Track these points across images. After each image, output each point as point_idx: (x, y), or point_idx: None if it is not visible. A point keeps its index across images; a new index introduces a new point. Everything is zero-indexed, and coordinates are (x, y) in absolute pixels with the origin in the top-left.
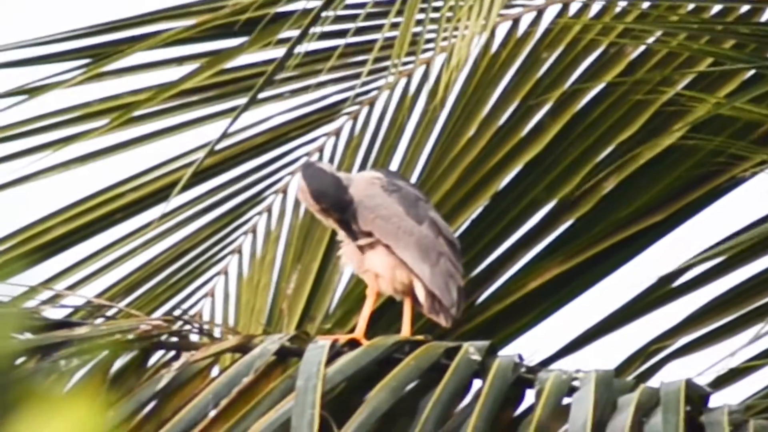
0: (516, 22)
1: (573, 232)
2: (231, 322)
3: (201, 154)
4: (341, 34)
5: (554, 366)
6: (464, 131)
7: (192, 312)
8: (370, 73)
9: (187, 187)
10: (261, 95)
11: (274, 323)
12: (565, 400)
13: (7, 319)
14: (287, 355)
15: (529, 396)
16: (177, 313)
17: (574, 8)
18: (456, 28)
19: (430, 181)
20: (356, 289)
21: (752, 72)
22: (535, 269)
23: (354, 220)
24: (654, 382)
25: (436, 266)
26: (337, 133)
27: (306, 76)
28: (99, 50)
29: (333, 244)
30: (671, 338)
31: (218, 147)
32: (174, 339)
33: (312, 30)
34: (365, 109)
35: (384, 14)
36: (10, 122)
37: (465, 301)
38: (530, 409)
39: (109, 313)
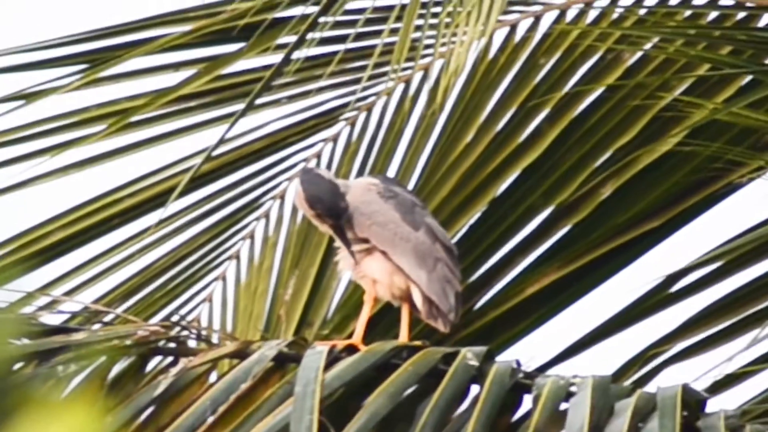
0: (513, 27)
1: (571, 238)
2: (229, 327)
3: (198, 160)
4: (339, 39)
5: (552, 371)
6: (462, 137)
7: (190, 318)
8: (369, 78)
9: (184, 193)
10: (259, 101)
11: (272, 329)
12: (563, 406)
13: (5, 324)
14: (285, 361)
15: (527, 401)
16: (175, 318)
17: (571, 14)
18: (455, 34)
19: (428, 186)
20: (354, 295)
21: (749, 78)
22: (532, 275)
23: (350, 227)
24: (651, 387)
25: (433, 272)
26: (335, 138)
27: (304, 82)
28: (96, 56)
29: (331, 250)
30: (668, 343)
31: (216, 153)
32: (172, 345)
33: (310, 36)
34: (363, 115)
35: (382, 20)
36: (7, 127)
37: (463, 307)
38: (528, 415)
39: (107, 318)
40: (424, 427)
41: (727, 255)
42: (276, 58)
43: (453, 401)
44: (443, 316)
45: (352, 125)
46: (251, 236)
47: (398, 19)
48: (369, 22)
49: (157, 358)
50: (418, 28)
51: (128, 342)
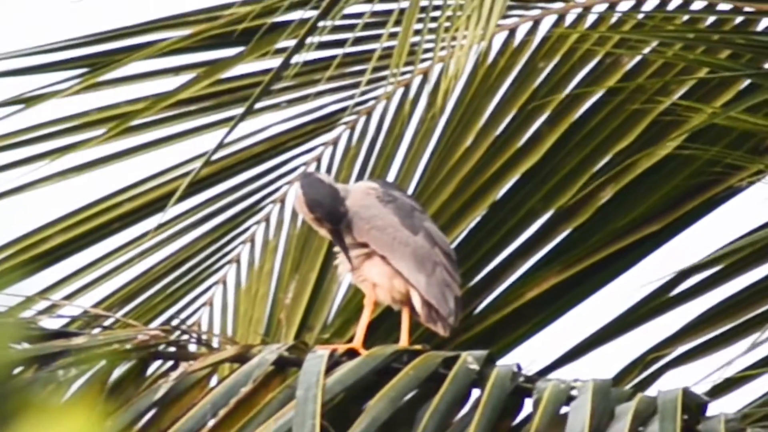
0: (512, 32)
1: (570, 242)
2: (229, 332)
3: (198, 164)
4: (339, 43)
5: (552, 375)
6: (461, 141)
7: (190, 322)
8: (368, 82)
9: (185, 197)
10: (258, 105)
11: (272, 333)
12: (563, 410)
13: (4, 329)
14: (286, 365)
15: (528, 405)
16: (175, 322)
17: (570, 18)
18: (454, 38)
19: (428, 190)
20: (354, 299)
21: (748, 81)
22: (532, 279)
23: (349, 232)
24: (651, 391)
25: (432, 276)
26: (335, 142)
27: (303, 86)
28: (95, 60)
29: (331, 254)
30: (669, 347)
31: (216, 156)
32: (172, 349)
33: (309, 40)
34: (363, 119)
35: (382, 24)
36: (7, 131)
37: (462, 311)
38: (528, 419)
39: (107, 322)
40: (425, 431)
41: (726, 258)
42: (275, 62)
43: (454, 405)
44: (443, 320)
45: (352, 129)
46: (251, 240)
47: (397, 23)
48: (368, 26)
49: (158, 363)
50: (417, 32)
51: (128, 346)
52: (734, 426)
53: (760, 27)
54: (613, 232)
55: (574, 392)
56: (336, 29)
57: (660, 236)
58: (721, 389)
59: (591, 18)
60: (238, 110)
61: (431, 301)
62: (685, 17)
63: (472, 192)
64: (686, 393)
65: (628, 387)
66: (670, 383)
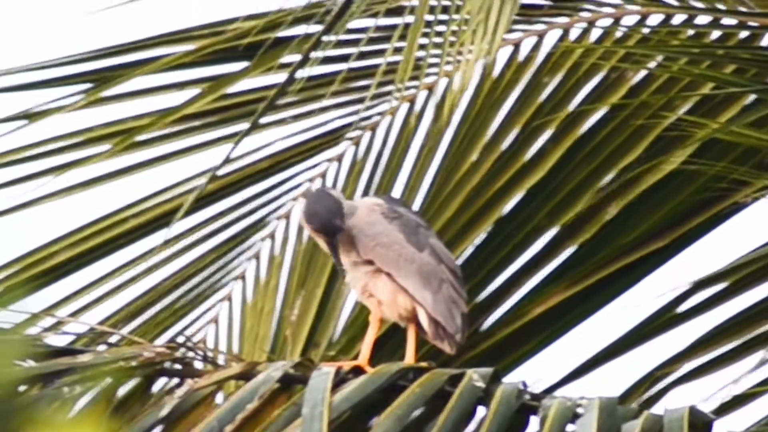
0: (517, 46)
1: (576, 258)
2: (235, 348)
3: (204, 180)
4: (343, 59)
5: (558, 393)
6: (467, 156)
7: (196, 338)
8: (373, 98)
9: (190, 213)
10: (263, 120)
11: (278, 350)
12: (569, 427)
13: (10, 346)
14: (291, 382)
15: (533, 423)
16: (181, 339)
17: (575, 33)
18: (459, 53)
19: (433, 206)
20: (361, 316)
21: (753, 97)
22: (539, 295)
23: (354, 249)
24: (658, 408)
25: (438, 293)
26: (340, 158)
27: (308, 101)
28: (101, 75)
29: (336, 271)
30: (675, 364)
31: (221, 172)
32: (177, 366)
33: (313, 55)
34: (368, 135)
35: (386, 39)
36: (12, 147)
37: (469, 328)
38: None
39: (112, 339)
40: None
41: (733, 275)
42: (280, 77)
43: (460, 423)
44: (450, 337)
45: (357, 145)
46: (257, 256)
47: (402, 38)
48: (372, 41)
49: (163, 380)
50: (422, 47)
51: (134, 363)
52: None
53: (765, 42)
54: (618, 248)
55: (580, 410)
56: (340, 44)
57: (666, 252)
58: (728, 407)
59: (596, 33)
60: (243, 125)
61: (438, 318)
62: (690, 32)
63: (477, 208)
64: (693, 411)
65: (634, 404)
66: (677, 401)
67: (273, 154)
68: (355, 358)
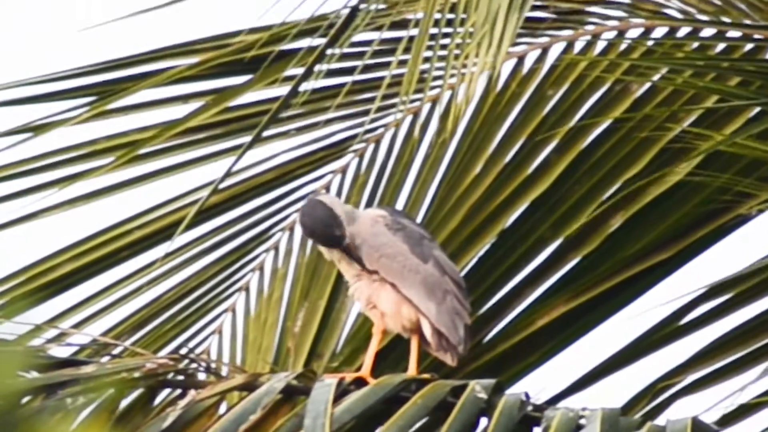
0: (521, 59)
1: (580, 270)
2: (239, 359)
3: (207, 192)
4: (348, 71)
5: (561, 404)
6: (470, 169)
7: (200, 349)
8: (377, 110)
9: (194, 225)
10: (267, 133)
11: (281, 361)
12: None
13: (13, 357)
14: (294, 394)
15: None
16: (184, 351)
17: (579, 46)
18: (464, 66)
19: (437, 218)
20: (364, 327)
21: (758, 109)
22: (542, 307)
23: (358, 258)
24: (661, 419)
25: (442, 304)
26: (344, 170)
27: (312, 114)
28: (104, 88)
29: (340, 282)
30: (678, 376)
31: (225, 184)
32: (180, 377)
33: (317, 67)
34: (372, 147)
35: (390, 51)
36: (16, 160)
37: (472, 339)
38: None
39: (116, 351)
40: None
41: (736, 286)
42: (284, 89)
43: None
44: (452, 348)
45: (361, 157)
46: (260, 268)
47: (406, 50)
48: (377, 53)
49: (166, 391)
50: (426, 59)
51: (136, 375)
52: None
53: None
54: (622, 260)
55: (582, 421)
56: (344, 57)
57: (670, 264)
58: (731, 418)
59: (600, 45)
60: (247, 138)
61: (441, 329)
62: (695, 44)
63: (481, 220)
64: (696, 422)
65: (637, 416)
66: (680, 412)
67: (277, 166)
68: (358, 369)
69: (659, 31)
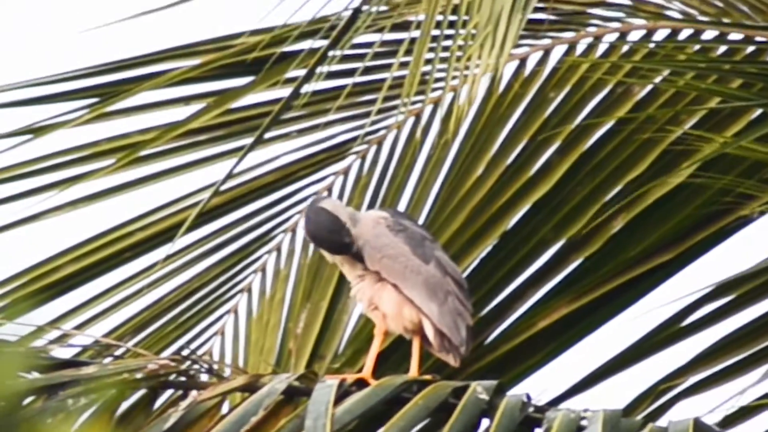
0: (523, 61)
1: (582, 272)
2: (241, 360)
3: (210, 193)
4: (349, 73)
5: (563, 405)
6: (472, 170)
7: (202, 351)
8: (379, 112)
9: (196, 226)
10: (269, 134)
11: (283, 362)
12: None
13: (15, 358)
14: (295, 395)
15: None
16: (186, 352)
17: (580, 48)
18: (467, 67)
19: (439, 220)
20: (365, 329)
21: (759, 111)
22: (544, 308)
23: (361, 260)
24: (663, 421)
25: (444, 305)
26: (346, 172)
27: (314, 116)
28: (105, 89)
29: (342, 283)
30: (680, 377)
31: (227, 186)
32: (182, 378)
33: (319, 69)
34: (373, 148)
35: (392, 53)
36: (17, 161)
37: (474, 340)
38: None
39: (118, 352)
40: None
41: (738, 288)
42: (285, 91)
43: None
44: (455, 349)
45: (363, 158)
46: (263, 269)
47: (408, 52)
48: (378, 55)
49: (168, 392)
50: (428, 61)
51: (138, 376)
52: None
53: None
54: (624, 261)
55: (584, 422)
56: (346, 58)
57: (672, 266)
58: (733, 419)
59: (602, 47)
60: (249, 140)
61: (443, 330)
62: (697, 47)
63: (483, 221)
64: (698, 423)
65: (639, 417)
66: (682, 413)
67: (279, 168)
68: (360, 371)
69: (661, 33)
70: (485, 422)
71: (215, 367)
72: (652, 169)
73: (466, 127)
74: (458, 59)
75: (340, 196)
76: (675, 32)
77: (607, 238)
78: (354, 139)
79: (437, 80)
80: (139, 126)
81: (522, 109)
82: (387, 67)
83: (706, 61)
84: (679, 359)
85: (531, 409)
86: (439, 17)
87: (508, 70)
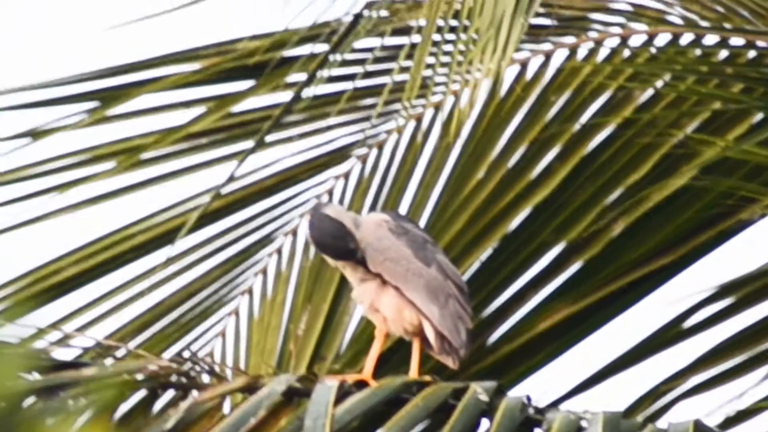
0: (524, 66)
1: (582, 274)
2: (242, 362)
3: (211, 197)
4: (350, 77)
5: (563, 407)
6: (473, 173)
7: (203, 352)
8: (380, 116)
9: (198, 229)
10: (270, 138)
11: (284, 364)
12: None
13: (15, 359)
14: (295, 396)
15: None
16: (186, 353)
17: (582, 53)
18: (468, 72)
19: (440, 223)
20: (366, 330)
21: (760, 115)
22: (544, 311)
23: (362, 262)
24: (663, 422)
25: (445, 308)
26: (347, 175)
27: (315, 120)
28: (106, 93)
29: (343, 285)
30: (680, 379)
31: (229, 189)
32: (182, 379)
33: (320, 73)
34: (374, 152)
35: (393, 58)
36: (19, 165)
37: (473, 344)
38: None
39: (119, 353)
40: None
41: (738, 291)
42: (286, 95)
43: None
44: (454, 351)
45: (364, 162)
46: (264, 271)
47: (409, 56)
48: (379, 59)
49: (169, 394)
50: (429, 65)
51: (138, 377)
52: None
53: None
54: (624, 264)
55: (584, 423)
56: (347, 63)
57: (672, 268)
58: (733, 421)
59: (603, 52)
60: (250, 143)
61: (444, 333)
62: (698, 51)
63: (483, 224)
64: (697, 425)
65: (639, 419)
66: (682, 415)
67: (280, 172)
68: (360, 372)
69: (662, 39)
70: (485, 423)
71: (216, 368)
72: (652, 172)
73: (467, 131)
74: (459, 64)
75: (341, 200)
76: (676, 37)
77: (607, 241)
78: (355, 142)
79: (438, 84)
80: (140, 129)
81: (523, 113)
82: (388, 72)
83: (707, 64)
84: (679, 361)
85: (531, 411)
86: (440, 22)
87: (509, 75)
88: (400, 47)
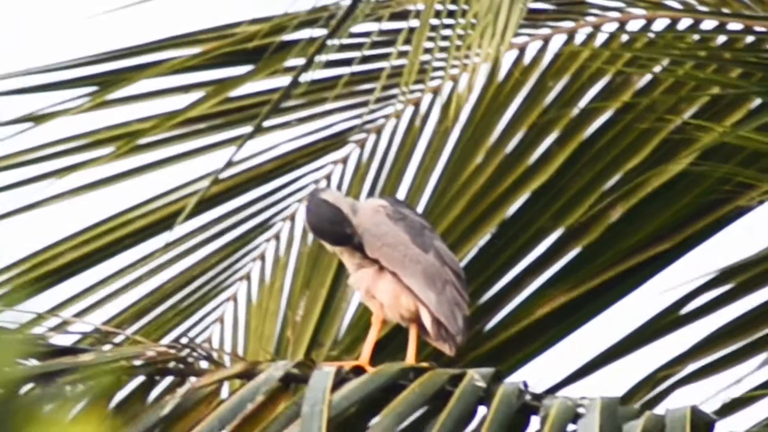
0: (522, 50)
1: (580, 260)
2: (240, 348)
3: (209, 182)
4: (348, 62)
5: (561, 393)
6: (471, 159)
7: (201, 338)
8: (378, 101)
9: (197, 214)
10: (268, 123)
11: (282, 349)
12: (570, 427)
13: (13, 345)
14: (292, 382)
15: (534, 423)
16: (184, 339)
17: (580, 38)
18: (466, 56)
19: (438, 208)
20: (364, 317)
21: (759, 101)
22: (542, 297)
23: (360, 247)
24: (660, 409)
25: (442, 294)
26: (345, 160)
27: (313, 104)
28: (105, 78)
29: (341, 271)
30: (678, 365)
31: (227, 174)
32: (180, 365)
33: (318, 58)
34: (372, 137)
35: (391, 42)
36: (17, 149)
37: (470, 330)
38: None
39: (117, 339)
40: None
41: (737, 277)
42: (285, 80)
43: (460, 422)
44: (451, 338)
45: (362, 147)
46: (262, 257)
47: (407, 41)
48: (377, 44)
49: (167, 380)
50: (427, 50)
51: (135, 363)
52: None
53: None
54: (623, 250)
55: (581, 410)
56: (345, 47)
57: (670, 255)
58: (730, 408)
59: (601, 37)
60: (248, 128)
61: (441, 319)
62: (696, 36)
63: (481, 210)
64: (695, 411)
65: (636, 405)
66: (679, 401)
67: (278, 157)
68: (358, 358)
69: (660, 23)
70: (482, 410)
71: (214, 354)
72: (650, 158)
73: (466, 115)
74: (458, 48)
75: (339, 185)
76: (674, 22)
77: (605, 227)
78: (353, 127)
79: (436, 69)
80: (138, 114)
81: (521, 98)
82: (386, 56)
83: (705, 50)
84: (677, 347)
85: (528, 397)
86: (439, 6)
87: (508, 59)
88: (398, 32)
